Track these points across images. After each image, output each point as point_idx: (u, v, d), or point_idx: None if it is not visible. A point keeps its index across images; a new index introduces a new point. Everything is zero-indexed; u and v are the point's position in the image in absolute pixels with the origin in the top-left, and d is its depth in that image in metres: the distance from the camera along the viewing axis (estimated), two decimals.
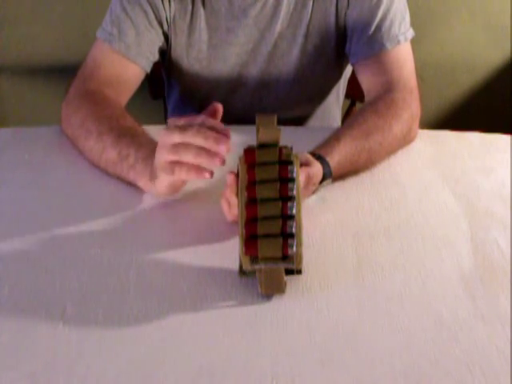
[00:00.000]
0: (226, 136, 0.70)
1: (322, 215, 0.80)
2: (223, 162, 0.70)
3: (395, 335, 0.62)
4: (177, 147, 0.71)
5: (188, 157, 0.71)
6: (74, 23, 1.78)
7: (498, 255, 0.73)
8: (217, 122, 0.72)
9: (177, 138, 0.71)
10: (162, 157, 0.73)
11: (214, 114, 0.74)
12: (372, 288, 0.68)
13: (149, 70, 1.03)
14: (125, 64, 0.99)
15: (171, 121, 0.73)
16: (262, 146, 0.68)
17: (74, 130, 0.91)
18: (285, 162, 0.67)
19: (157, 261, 0.71)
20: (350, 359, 0.59)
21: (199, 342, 0.61)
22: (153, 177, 0.77)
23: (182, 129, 0.71)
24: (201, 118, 0.71)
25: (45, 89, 1.87)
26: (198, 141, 0.70)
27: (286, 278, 0.66)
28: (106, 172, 0.85)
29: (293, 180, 0.67)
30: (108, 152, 0.83)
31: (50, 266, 0.70)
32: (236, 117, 1.11)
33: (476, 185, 0.87)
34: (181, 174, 0.73)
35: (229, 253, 0.71)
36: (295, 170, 0.67)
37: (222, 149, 0.69)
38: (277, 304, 0.66)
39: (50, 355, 0.59)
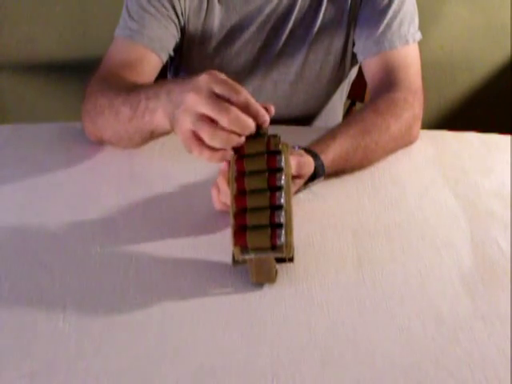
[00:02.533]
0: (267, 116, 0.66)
1: (323, 215, 0.80)
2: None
3: (395, 335, 0.62)
4: (203, 123, 0.66)
5: (214, 143, 0.66)
6: (73, 23, 1.78)
7: (498, 255, 0.74)
8: (258, 107, 0.66)
9: (209, 111, 0.65)
10: (186, 123, 0.67)
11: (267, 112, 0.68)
12: (372, 287, 0.68)
13: (164, 62, 1.01)
14: (144, 55, 0.98)
15: (204, 80, 0.67)
16: (250, 136, 0.68)
17: (91, 115, 0.88)
18: (273, 152, 0.68)
19: (157, 260, 0.71)
20: (349, 358, 0.59)
21: (199, 340, 0.61)
22: (170, 118, 0.72)
23: (218, 106, 0.65)
24: (243, 95, 0.66)
25: (44, 88, 1.87)
26: (235, 128, 0.65)
27: (277, 268, 0.67)
28: (129, 139, 0.82)
29: (281, 169, 0.67)
30: (121, 112, 0.80)
31: (50, 266, 0.70)
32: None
33: (476, 185, 0.87)
34: (201, 156, 0.67)
35: (228, 248, 0.71)
36: (283, 159, 0.67)
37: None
38: (277, 303, 0.66)
39: (50, 355, 0.59)
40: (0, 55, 1.83)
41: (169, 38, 1.01)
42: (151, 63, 0.99)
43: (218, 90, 0.66)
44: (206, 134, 0.66)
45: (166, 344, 0.61)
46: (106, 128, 0.86)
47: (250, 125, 0.66)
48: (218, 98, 0.66)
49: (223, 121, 0.65)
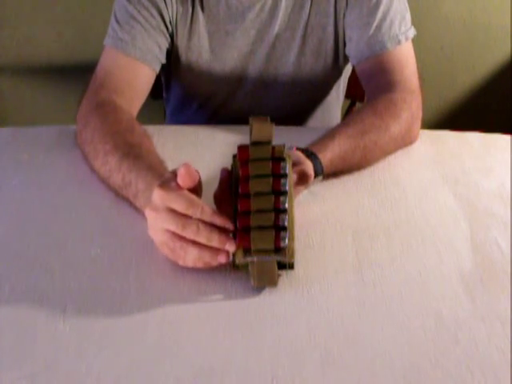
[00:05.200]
0: (228, 231, 0.66)
1: (323, 215, 0.80)
2: (228, 258, 0.66)
3: (395, 335, 0.62)
4: (173, 241, 0.66)
5: (190, 256, 0.67)
6: (73, 23, 1.78)
7: (498, 255, 0.73)
8: (215, 214, 0.66)
9: (173, 228, 0.65)
10: (158, 239, 0.68)
11: (188, 177, 0.66)
12: (372, 288, 0.68)
13: (157, 71, 1.02)
14: (137, 68, 0.98)
15: (158, 196, 0.66)
16: (256, 143, 0.69)
17: (84, 146, 0.88)
18: (277, 158, 0.68)
19: (157, 261, 0.71)
20: (349, 359, 0.59)
21: (199, 341, 0.61)
22: None
23: (180, 223, 0.65)
24: (199, 210, 0.65)
25: (45, 89, 1.87)
26: (201, 239, 0.65)
27: (280, 272, 0.67)
28: (112, 190, 0.82)
29: (285, 176, 0.68)
30: (113, 176, 0.80)
31: (50, 266, 0.70)
32: (236, 117, 1.11)
33: (476, 185, 0.87)
34: (187, 264, 0.68)
35: None
36: (288, 166, 0.68)
37: (228, 248, 0.66)
38: (277, 304, 0.66)
39: (50, 356, 0.59)
40: (0, 56, 1.84)
41: (160, 48, 1.01)
42: (144, 76, 0.99)
43: (176, 206, 0.65)
44: (179, 250, 0.66)
45: (165, 346, 0.61)
46: (95, 171, 0.85)
47: (213, 236, 0.65)
48: (177, 215, 0.65)
49: (187, 233, 0.65)
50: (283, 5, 1.02)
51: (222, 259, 0.66)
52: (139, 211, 0.76)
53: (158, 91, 1.30)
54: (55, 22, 1.78)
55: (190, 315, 0.64)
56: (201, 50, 1.05)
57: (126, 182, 0.78)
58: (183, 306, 0.65)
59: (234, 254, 0.67)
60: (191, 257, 0.67)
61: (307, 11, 1.02)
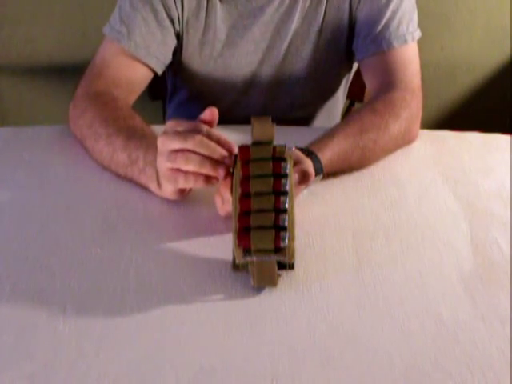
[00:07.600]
0: (231, 150, 0.71)
1: (323, 215, 0.80)
2: (227, 174, 0.71)
3: (395, 335, 0.62)
4: (175, 155, 0.70)
5: (190, 166, 0.70)
6: (74, 23, 1.78)
7: (498, 255, 0.74)
8: (220, 135, 0.71)
9: (177, 144, 0.70)
10: (162, 164, 0.73)
11: (210, 121, 0.73)
12: (372, 288, 0.68)
13: (160, 71, 1.01)
14: (133, 64, 0.98)
15: (169, 125, 0.72)
16: (257, 143, 0.69)
17: (82, 131, 0.89)
18: (278, 158, 0.68)
19: (157, 260, 0.71)
20: (349, 359, 0.59)
21: (199, 341, 0.61)
22: (159, 182, 0.78)
23: (183, 136, 0.70)
24: (204, 128, 0.71)
25: (45, 89, 1.87)
26: (202, 150, 0.70)
27: (280, 272, 0.67)
28: (116, 174, 0.84)
29: (286, 176, 0.68)
30: (118, 155, 0.82)
31: (50, 266, 0.70)
32: (248, 117, 1.11)
33: (476, 185, 0.87)
34: (187, 184, 0.72)
35: (229, 251, 0.71)
36: (288, 166, 0.68)
37: (227, 162, 0.70)
38: (277, 304, 0.66)
39: (50, 356, 0.59)
40: (0, 56, 1.84)
41: (158, 45, 0.99)
42: (140, 72, 0.99)
43: (181, 128, 0.71)
44: (179, 160, 0.70)
45: (166, 346, 0.61)
46: (95, 153, 0.87)
47: (215, 147, 0.70)
48: (180, 132, 0.71)
49: (189, 144, 0.69)
50: (301, 0, 1.02)
51: (221, 171, 0.70)
52: (144, 188, 0.80)
53: (157, 91, 1.30)
54: (55, 22, 1.78)
55: (190, 316, 0.64)
56: (216, 44, 1.03)
57: (132, 158, 0.80)
58: (183, 307, 0.65)
59: (234, 254, 0.68)
60: (192, 167, 0.70)
61: (323, 7, 1.02)
